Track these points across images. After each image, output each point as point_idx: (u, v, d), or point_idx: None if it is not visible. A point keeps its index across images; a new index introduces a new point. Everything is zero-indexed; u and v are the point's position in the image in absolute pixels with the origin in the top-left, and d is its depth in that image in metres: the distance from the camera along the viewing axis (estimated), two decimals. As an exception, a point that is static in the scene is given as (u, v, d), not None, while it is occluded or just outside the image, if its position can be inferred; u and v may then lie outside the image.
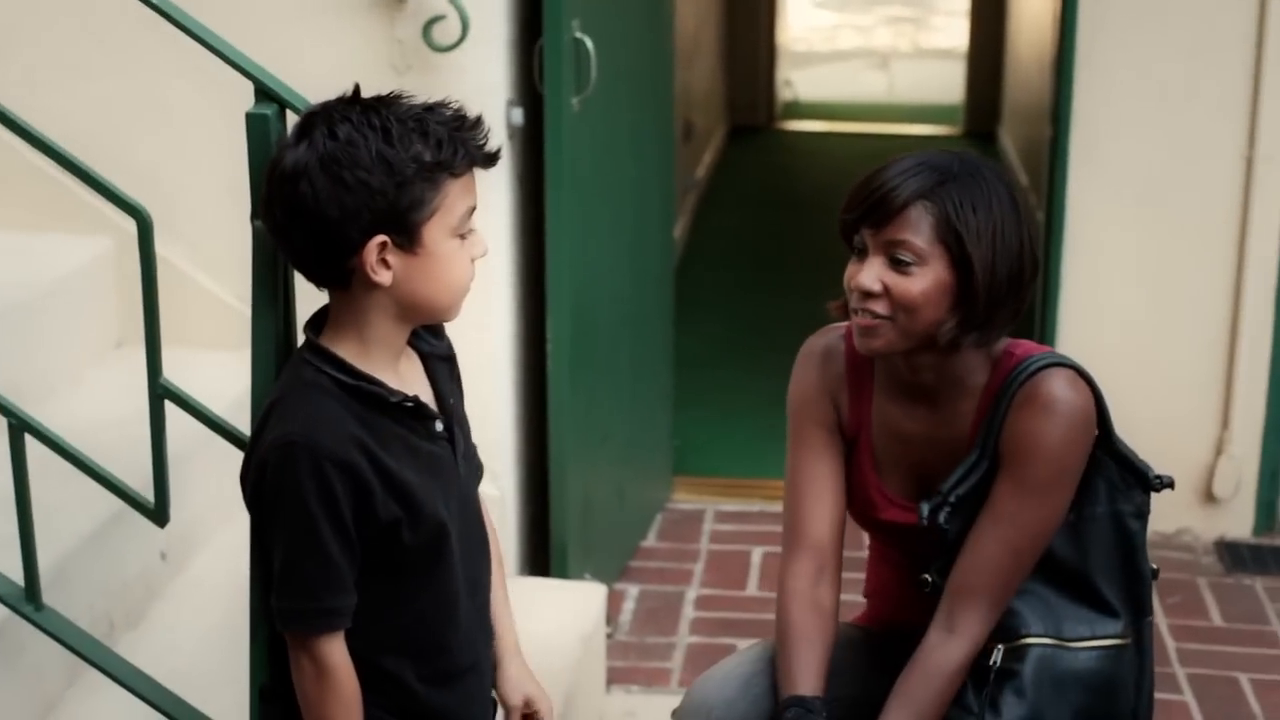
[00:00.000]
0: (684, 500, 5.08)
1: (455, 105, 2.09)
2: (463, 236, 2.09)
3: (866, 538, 2.72)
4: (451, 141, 2.04)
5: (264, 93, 2.25)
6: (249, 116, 2.22)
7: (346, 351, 2.10)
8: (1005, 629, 2.43)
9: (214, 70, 2.43)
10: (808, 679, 2.46)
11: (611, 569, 4.51)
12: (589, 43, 3.93)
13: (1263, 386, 4.74)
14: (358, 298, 2.09)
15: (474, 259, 2.12)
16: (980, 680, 2.43)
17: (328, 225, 2.01)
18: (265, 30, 3.56)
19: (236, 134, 2.23)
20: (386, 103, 2.06)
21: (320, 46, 3.71)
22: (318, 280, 2.11)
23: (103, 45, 3.80)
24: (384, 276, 2.05)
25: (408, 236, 2.04)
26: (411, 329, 2.16)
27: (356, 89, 2.08)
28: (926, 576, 2.47)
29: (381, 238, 2.03)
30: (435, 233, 2.06)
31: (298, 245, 2.07)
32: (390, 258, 2.04)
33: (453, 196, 2.06)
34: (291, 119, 2.15)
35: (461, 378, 2.28)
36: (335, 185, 2.00)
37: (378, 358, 2.12)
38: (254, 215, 2.17)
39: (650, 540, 4.83)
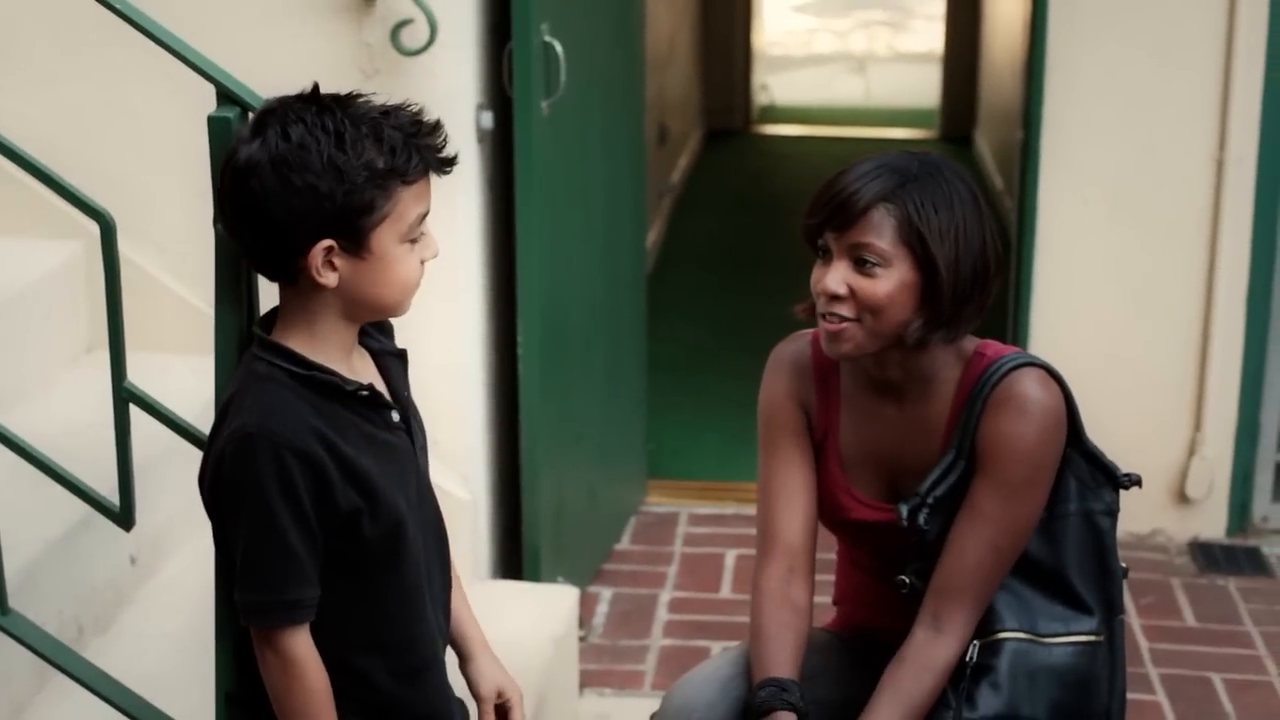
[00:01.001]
0: (658, 503, 5.08)
1: (415, 108, 2.08)
2: (414, 241, 2.09)
3: (835, 543, 2.73)
4: (406, 148, 2.03)
5: (226, 96, 2.25)
6: (211, 120, 2.22)
7: (298, 345, 2.10)
8: (981, 624, 2.45)
9: (180, 74, 2.43)
10: (782, 665, 2.47)
11: (584, 572, 4.50)
12: (558, 46, 3.93)
13: (1235, 387, 4.74)
14: (306, 294, 2.09)
15: (424, 260, 2.11)
16: (956, 675, 2.44)
17: (274, 226, 2.01)
18: (233, 34, 3.55)
19: (203, 137, 2.22)
20: (344, 104, 2.04)
21: (288, 50, 3.69)
22: (268, 274, 2.11)
23: (68, 49, 3.78)
24: (329, 279, 2.05)
25: (355, 242, 2.03)
26: (360, 325, 2.17)
27: (315, 87, 2.06)
28: (904, 578, 2.48)
29: (328, 242, 2.02)
30: (384, 238, 2.05)
31: (248, 241, 2.07)
32: (336, 260, 2.04)
33: (405, 203, 2.05)
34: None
35: (409, 376, 2.27)
36: (283, 187, 1.99)
37: (329, 351, 2.11)
38: (216, 218, 2.17)
39: (624, 543, 4.82)
